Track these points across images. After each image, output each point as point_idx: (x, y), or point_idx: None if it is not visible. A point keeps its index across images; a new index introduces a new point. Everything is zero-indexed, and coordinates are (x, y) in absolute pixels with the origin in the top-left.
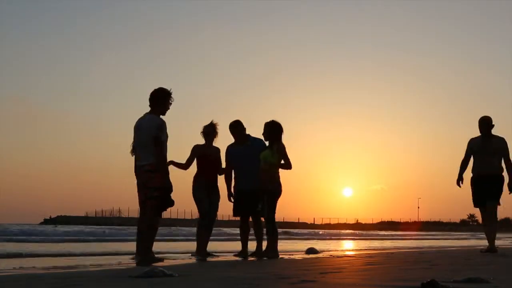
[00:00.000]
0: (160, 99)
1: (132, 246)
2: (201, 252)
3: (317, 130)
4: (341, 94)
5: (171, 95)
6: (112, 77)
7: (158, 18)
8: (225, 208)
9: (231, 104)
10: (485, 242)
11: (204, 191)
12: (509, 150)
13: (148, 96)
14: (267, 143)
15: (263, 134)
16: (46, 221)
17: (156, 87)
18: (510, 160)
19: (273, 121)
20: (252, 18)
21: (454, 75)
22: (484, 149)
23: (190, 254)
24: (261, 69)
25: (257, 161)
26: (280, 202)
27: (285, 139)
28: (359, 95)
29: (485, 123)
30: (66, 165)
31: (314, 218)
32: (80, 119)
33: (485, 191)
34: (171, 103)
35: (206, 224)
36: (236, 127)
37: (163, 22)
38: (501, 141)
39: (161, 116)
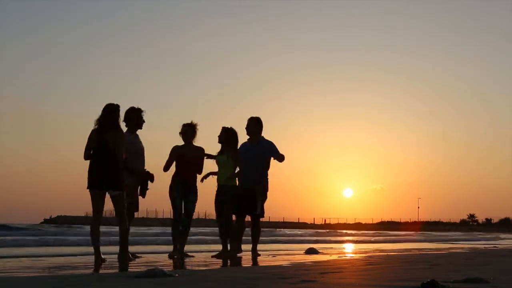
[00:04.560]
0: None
1: (132, 246)
2: (175, 252)
3: (317, 131)
4: (341, 95)
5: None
6: (113, 77)
7: (158, 20)
8: None
9: (231, 105)
10: None
11: (180, 190)
12: None
13: (146, 96)
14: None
15: (218, 138)
16: (46, 221)
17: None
18: None
19: (231, 128)
20: (252, 19)
21: (453, 75)
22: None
23: (167, 254)
24: (262, 71)
25: (259, 162)
26: (280, 202)
27: (286, 140)
28: (359, 96)
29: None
30: (67, 165)
31: (314, 218)
32: (80, 119)
33: None
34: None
35: (182, 225)
36: (249, 125)
37: (163, 24)
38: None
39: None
